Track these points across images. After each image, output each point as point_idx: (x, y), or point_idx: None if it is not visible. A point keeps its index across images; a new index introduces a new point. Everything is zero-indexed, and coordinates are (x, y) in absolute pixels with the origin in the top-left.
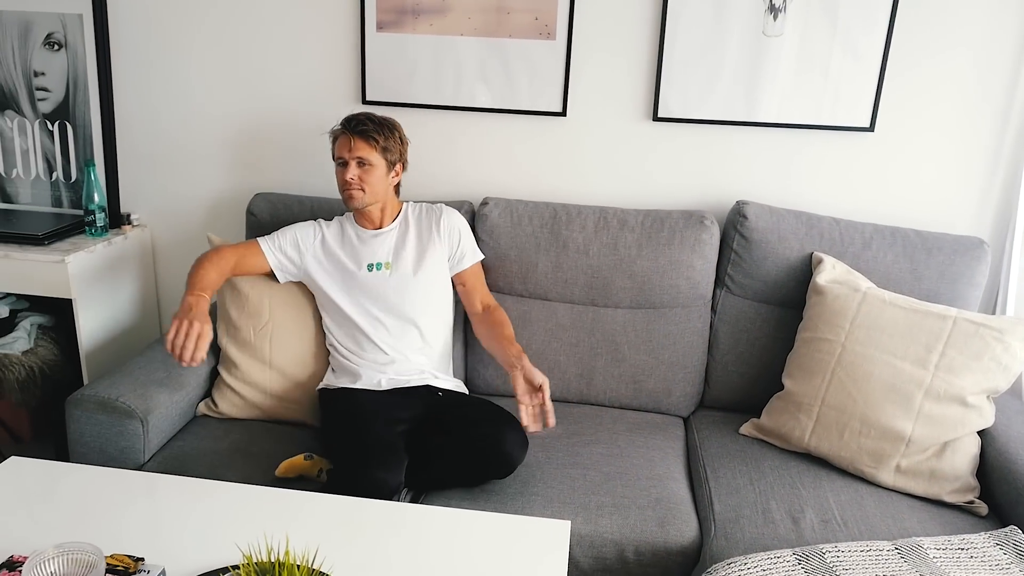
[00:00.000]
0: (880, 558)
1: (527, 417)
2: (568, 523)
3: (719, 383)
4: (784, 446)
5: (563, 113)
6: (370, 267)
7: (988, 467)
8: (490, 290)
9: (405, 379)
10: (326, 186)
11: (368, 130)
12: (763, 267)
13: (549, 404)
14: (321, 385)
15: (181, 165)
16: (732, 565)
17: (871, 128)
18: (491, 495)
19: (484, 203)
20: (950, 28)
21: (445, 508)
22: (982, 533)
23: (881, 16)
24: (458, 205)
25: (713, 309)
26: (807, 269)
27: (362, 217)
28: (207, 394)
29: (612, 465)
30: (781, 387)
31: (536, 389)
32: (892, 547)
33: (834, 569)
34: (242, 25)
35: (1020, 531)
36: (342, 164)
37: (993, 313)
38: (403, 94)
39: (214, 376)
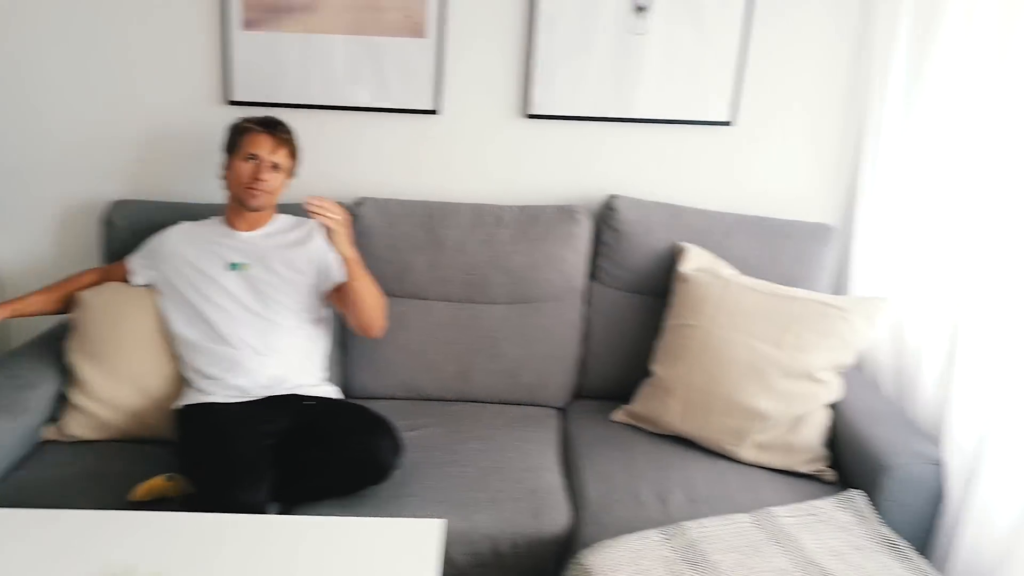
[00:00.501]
0: (739, 530)
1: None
2: (440, 522)
3: (593, 373)
4: (655, 430)
5: (436, 111)
6: (233, 266)
7: (836, 437)
8: None
9: (267, 389)
10: (191, 190)
11: (289, 137)
12: (632, 258)
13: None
14: (178, 403)
15: (25, 173)
16: (601, 549)
17: (731, 122)
18: (365, 500)
19: (359, 203)
20: (800, 25)
21: (313, 517)
22: (829, 498)
23: (738, 14)
24: None
25: (586, 300)
26: (674, 258)
27: (237, 218)
28: (54, 417)
29: (488, 460)
30: (651, 374)
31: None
32: (750, 519)
33: (698, 544)
34: (93, 22)
35: (862, 494)
36: (252, 160)
37: (841, 294)
38: (272, 94)
39: (61, 398)
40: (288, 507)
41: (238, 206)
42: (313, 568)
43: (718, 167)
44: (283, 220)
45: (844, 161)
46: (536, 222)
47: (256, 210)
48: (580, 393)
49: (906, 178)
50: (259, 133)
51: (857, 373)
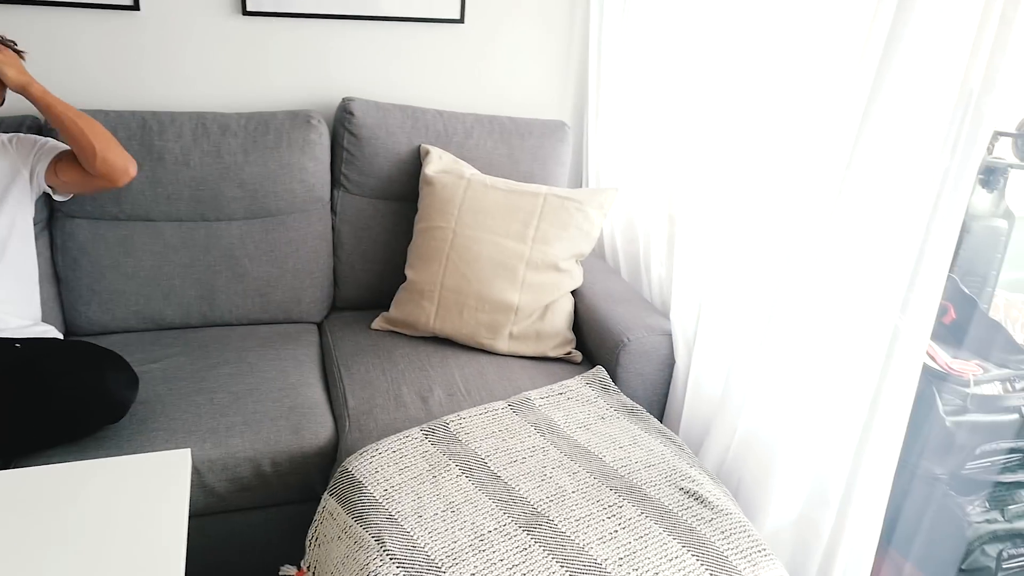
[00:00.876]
0: (496, 417)
1: None
2: (187, 451)
3: (348, 283)
4: (413, 333)
5: (136, 7)
6: None
7: (580, 320)
8: (80, 216)
9: None
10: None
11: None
12: (375, 163)
13: None
14: None
15: None
16: (364, 454)
17: (461, 20)
18: (102, 442)
19: None
20: None
21: (37, 468)
22: (576, 377)
23: None
24: (20, 120)
25: (333, 210)
26: (417, 161)
27: None
28: None
29: (242, 384)
30: (405, 279)
31: None
32: (505, 405)
33: (457, 435)
34: None
35: (604, 369)
36: None
37: (579, 188)
38: None
39: None
40: (7, 462)
41: None
42: (44, 524)
43: (454, 67)
44: None
45: (572, 60)
46: (267, 129)
47: None
48: (336, 305)
49: (629, 74)
50: None
51: (596, 260)
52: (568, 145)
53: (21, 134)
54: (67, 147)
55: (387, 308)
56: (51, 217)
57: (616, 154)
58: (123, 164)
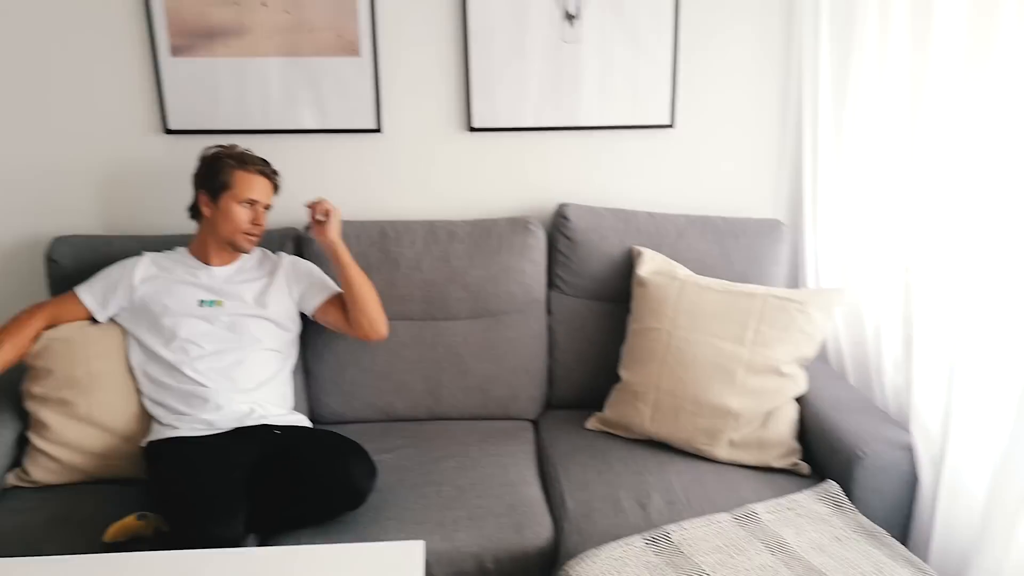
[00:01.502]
0: (721, 530)
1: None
2: (421, 543)
3: (562, 382)
4: (628, 435)
5: (378, 129)
6: (205, 303)
7: (806, 429)
8: None
9: (236, 422)
10: (134, 223)
11: (277, 179)
12: (589, 265)
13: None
14: (146, 440)
15: None
16: (586, 559)
17: (672, 125)
18: (343, 526)
19: (308, 227)
20: (726, 25)
21: (293, 547)
22: (805, 491)
23: (666, 18)
24: (283, 232)
25: (548, 311)
26: (629, 263)
27: (211, 254)
28: (16, 463)
29: (465, 477)
30: (620, 379)
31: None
32: (730, 518)
33: (680, 547)
34: (19, 55)
35: (835, 484)
36: (250, 205)
37: (796, 287)
38: (208, 121)
39: (23, 443)
40: (264, 538)
41: (219, 245)
42: None
43: (663, 169)
44: (253, 252)
45: (786, 156)
46: (490, 235)
47: (242, 252)
48: (551, 403)
49: (847, 168)
50: (256, 176)
51: (821, 364)
52: (784, 244)
53: (295, 257)
54: (336, 289)
55: (600, 408)
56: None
57: (838, 252)
58: (383, 330)
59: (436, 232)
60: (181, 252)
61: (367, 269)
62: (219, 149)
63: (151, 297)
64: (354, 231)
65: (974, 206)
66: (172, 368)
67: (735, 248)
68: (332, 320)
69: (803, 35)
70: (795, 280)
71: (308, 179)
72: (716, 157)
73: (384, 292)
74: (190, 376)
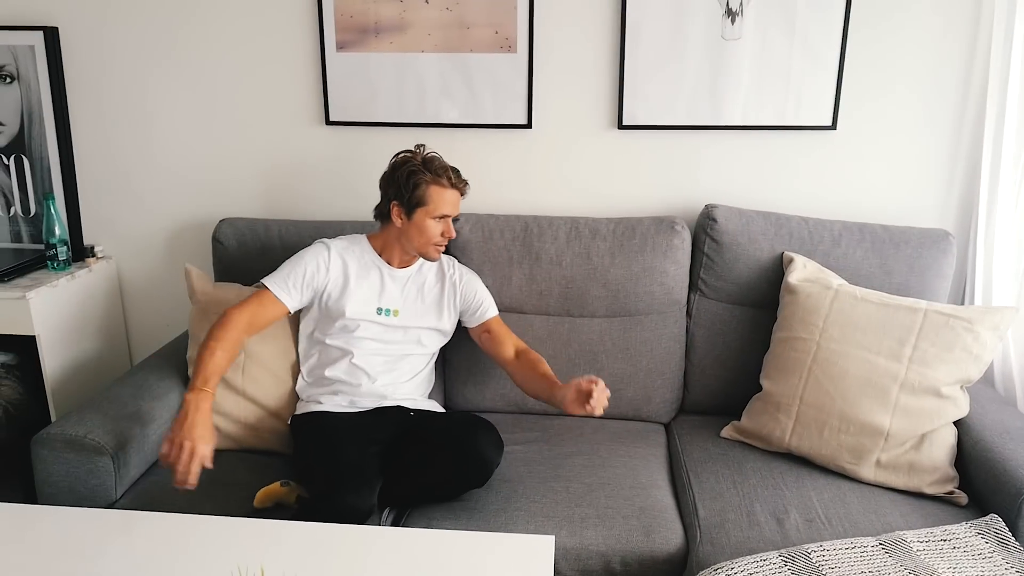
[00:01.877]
0: (865, 554)
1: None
2: (552, 538)
3: (698, 387)
4: (765, 447)
5: (528, 125)
6: (379, 311)
7: (965, 456)
8: None
9: (376, 402)
10: (293, 209)
11: (467, 188)
12: (735, 269)
13: (598, 391)
14: (292, 415)
15: (143, 194)
16: (719, 570)
17: (833, 127)
18: (473, 512)
19: (455, 219)
20: (902, 24)
21: (424, 530)
22: (964, 523)
23: (836, 15)
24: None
25: (688, 314)
26: (779, 269)
27: (396, 255)
28: None
29: (594, 476)
30: (759, 388)
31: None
32: (876, 543)
33: (820, 568)
34: (201, 51)
35: (1000, 519)
36: (443, 219)
37: (962, 303)
38: (366, 113)
39: None
40: (397, 510)
41: (406, 251)
42: None
43: (821, 173)
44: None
45: (959, 162)
46: (633, 234)
47: (435, 261)
48: (684, 408)
49: None
50: (450, 190)
51: (985, 388)
52: (951, 257)
53: (466, 270)
54: (494, 314)
55: (736, 416)
56: None
57: (1012, 268)
58: None
59: (579, 228)
60: (363, 246)
61: (509, 263)
62: (411, 156)
63: (335, 297)
64: (498, 225)
65: None
66: (342, 352)
67: (895, 258)
68: (483, 342)
69: (993, 34)
70: (959, 297)
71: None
72: (880, 161)
73: (524, 287)
74: (357, 364)
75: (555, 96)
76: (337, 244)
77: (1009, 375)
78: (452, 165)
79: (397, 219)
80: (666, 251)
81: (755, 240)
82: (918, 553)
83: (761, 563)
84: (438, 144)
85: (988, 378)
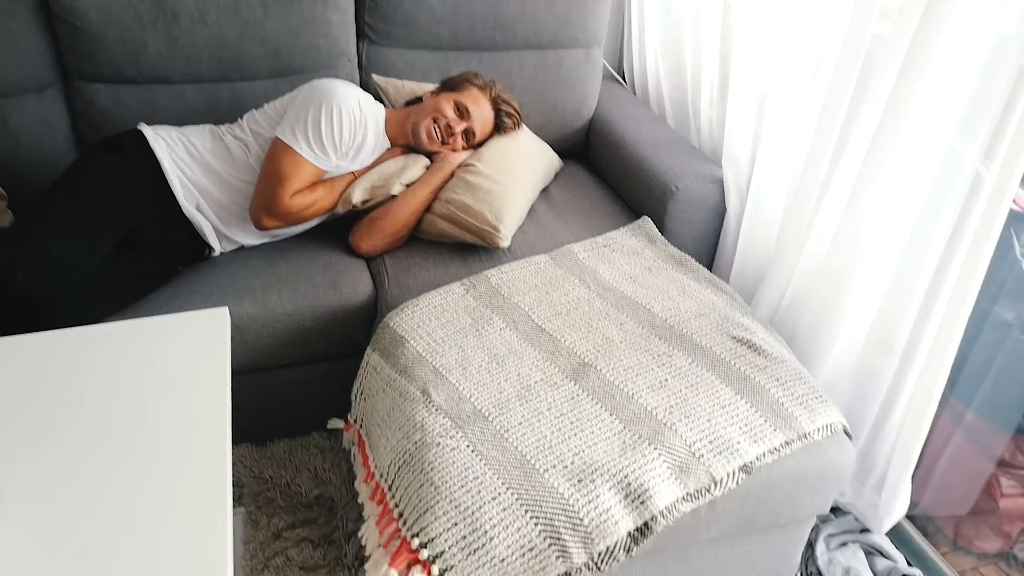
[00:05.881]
0: (538, 270)
1: None
2: (225, 309)
3: None
4: None
5: None
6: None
7: (625, 169)
8: (98, 81)
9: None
10: None
11: (507, 122)
12: (402, 8)
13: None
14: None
15: None
16: (405, 309)
17: None
18: (142, 304)
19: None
20: None
21: (79, 329)
22: (621, 228)
23: None
24: None
25: (360, 65)
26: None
27: (395, 132)
28: None
29: (272, 249)
30: None
31: None
32: (548, 258)
33: (499, 289)
34: None
35: (650, 220)
36: (459, 113)
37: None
38: None
39: None
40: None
41: (407, 129)
42: (102, 374)
43: None
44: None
45: None
46: None
47: (414, 151)
48: None
49: None
50: (486, 101)
51: (641, 107)
52: None
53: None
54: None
55: None
56: (66, 80)
57: None
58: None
59: None
60: (382, 118)
61: (139, 25)
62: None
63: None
64: None
65: None
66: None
67: None
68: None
69: None
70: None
71: None
72: None
73: (164, 52)
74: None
75: None
76: (369, 108)
77: (660, 94)
78: (512, 105)
79: (428, 98)
80: None
81: None
82: (583, 260)
83: (445, 295)
84: None
85: (644, 98)
